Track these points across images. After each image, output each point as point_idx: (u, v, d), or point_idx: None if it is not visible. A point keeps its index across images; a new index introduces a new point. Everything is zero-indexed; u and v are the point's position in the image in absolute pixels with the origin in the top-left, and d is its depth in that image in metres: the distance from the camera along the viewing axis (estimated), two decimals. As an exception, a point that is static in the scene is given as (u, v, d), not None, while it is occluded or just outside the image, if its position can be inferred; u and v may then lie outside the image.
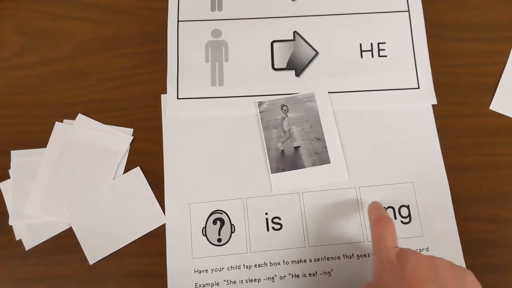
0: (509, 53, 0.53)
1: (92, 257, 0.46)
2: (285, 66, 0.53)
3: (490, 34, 0.54)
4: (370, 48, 0.53)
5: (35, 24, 0.55)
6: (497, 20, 0.54)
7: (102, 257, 0.46)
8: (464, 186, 0.49)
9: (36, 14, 0.55)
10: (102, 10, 0.55)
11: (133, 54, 0.53)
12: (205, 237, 0.47)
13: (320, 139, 0.50)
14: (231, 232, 0.47)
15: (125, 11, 0.55)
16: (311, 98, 0.51)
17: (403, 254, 0.37)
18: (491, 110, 0.51)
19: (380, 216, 0.41)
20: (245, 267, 0.46)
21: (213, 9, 0.55)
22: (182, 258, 0.46)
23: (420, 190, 0.48)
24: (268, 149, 0.50)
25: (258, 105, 0.51)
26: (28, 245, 0.47)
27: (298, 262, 0.46)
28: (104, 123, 0.51)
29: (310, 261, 0.46)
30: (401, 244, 0.46)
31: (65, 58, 0.53)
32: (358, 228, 0.47)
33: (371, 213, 0.44)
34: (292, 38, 0.54)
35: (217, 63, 0.53)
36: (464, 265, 0.46)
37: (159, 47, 0.53)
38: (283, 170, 0.49)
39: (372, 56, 0.53)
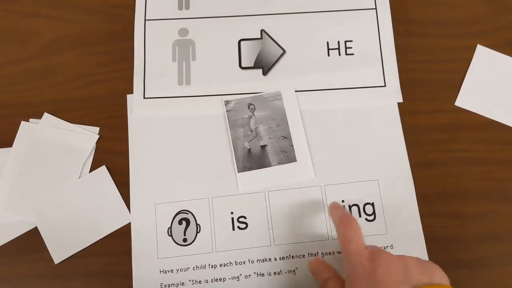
0: (475, 49, 0.53)
1: (57, 257, 0.46)
2: (252, 65, 0.53)
3: (456, 30, 0.54)
4: (337, 46, 0.53)
5: (1, 24, 0.54)
6: (463, 16, 0.55)
7: (67, 256, 0.46)
8: (428, 182, 0.49)
9: (2, 13, 0.55)
10: (69, 8, 0.55)
11: (100, 52, 0.53)
12: (170, 237, 0.47)
13: (287, 137, 0.50)
14: (197, 232, 0.47)
15: (92, 9, 0.55)
16: (277, 96, 0.51)
17: (375, 257, 0.37)
18: (457, 106, 0.51)
19: (343, 217, 0.41)
20: (210, 266, 0.46)
21: (180, 7, 0.54)
22: (148, 259, 0.46)
23: (385, 187, 0.48)
24: (235, 148, 0.49)
25: (225, 104, 0.51)
26: (-7, 245, 0.47)
27: (263, 261, 0.46)
28: (71, 122, 0.50)
29: (275, 259, 0.46)
30: (366, 242, 0.46)
31: (32, 57, 0.53)
32: (323, 227, 0.47)
33: (333, 214, 0.44)
34: (259, 36, 0.53)
35: (184, 62, 0.52)
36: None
37: (126, 45, 0.53)
38: (250, 169, 0.49)
39: (339, 54, 0.53)
